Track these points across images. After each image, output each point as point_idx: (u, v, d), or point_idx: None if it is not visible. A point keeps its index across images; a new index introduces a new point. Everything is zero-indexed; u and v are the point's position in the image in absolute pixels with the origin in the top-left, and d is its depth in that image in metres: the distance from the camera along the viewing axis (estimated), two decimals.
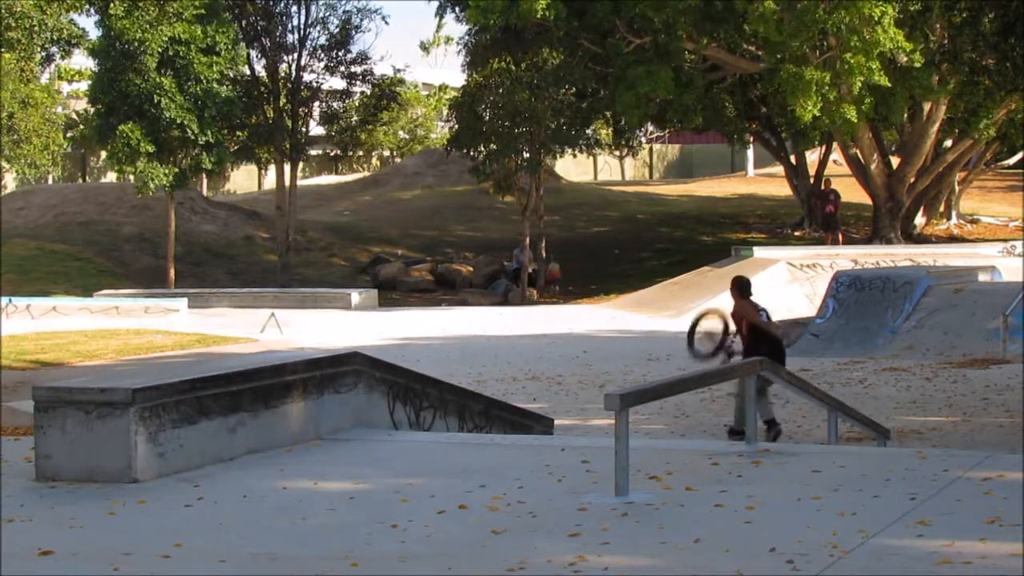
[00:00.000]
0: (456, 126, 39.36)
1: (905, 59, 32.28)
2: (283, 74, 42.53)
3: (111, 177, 51.42)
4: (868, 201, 43.33)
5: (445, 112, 51.48)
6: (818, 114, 32.37)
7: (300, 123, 42.65)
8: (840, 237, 39.46)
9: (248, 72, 42.10)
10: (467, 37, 43.65)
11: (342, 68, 43.20)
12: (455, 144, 38.83)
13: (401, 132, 65.63)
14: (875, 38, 30.83)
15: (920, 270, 24.50)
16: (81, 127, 49.74)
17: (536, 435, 12.12)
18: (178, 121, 35.46)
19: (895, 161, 42.85)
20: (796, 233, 45.77)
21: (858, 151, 41.06)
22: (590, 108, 40.51)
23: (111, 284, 37.86)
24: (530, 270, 38.78)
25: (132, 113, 35.64)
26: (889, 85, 32.58)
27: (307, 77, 42.89)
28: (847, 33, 30.87)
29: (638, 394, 8.39)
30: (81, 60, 49.31)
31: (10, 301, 30.39)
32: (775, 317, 24.22)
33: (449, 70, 69.99)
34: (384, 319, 30.62)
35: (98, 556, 6.64)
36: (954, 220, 44.08)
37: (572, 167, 60.90)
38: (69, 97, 60.08)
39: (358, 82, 43.78)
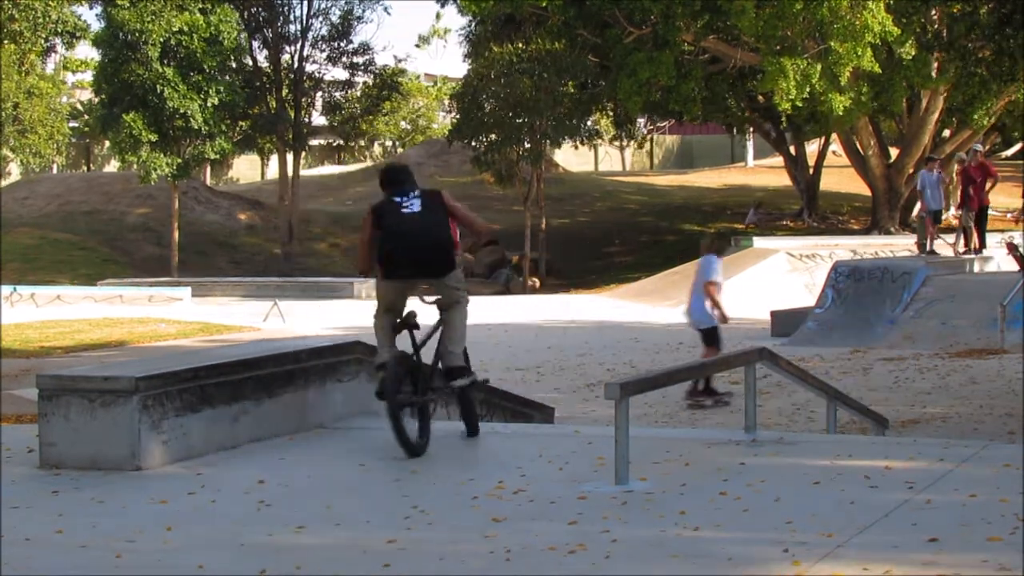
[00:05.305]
0: (458, 116, 39.36)
1: (897, 48, 32.33)
2: (285, 65, 42.59)
3: (115, 166, 51.45)
4: (867, 192, 43.34)
5: (447, 102, 51.49)
6: (800, 104, 32.44)
7: (302, 113, 42.71)
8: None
9: (251, 63, 42.16)
10: (468, 28, 43.70)
11: (344, 59, 43.28)
12: (457, 134, 38.82)
13: (403, 122, 65.65)
14: (864, 21, 30.86)
15: (919, 260, 24.52)
16: (85, 117, 49.82)
17: (537, 424, 12.16)
18: (181, 111, 35.52)
19: (894, 152, 42.82)
20: (790, 224, 45.80)
21: (857, 142, 41.08)
22: (591, 98, 40.49)
23: (115, 273, 37.93)
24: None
25: (135, 103, 35.70)
26: (880, 72, 32.59)
27: (309, 68, 42.97)
28: (829, 21, 30.93)
29: (638, 383, 8.39)
30: (87, 51, 49.40)
31: (15, 290, 30.48)
32: (773, 307, 24.39)
33: (451, 61, 70.03)
34: None
35: (101, 543, 6.69)
36: (952, 211, 44.12)
37: (573, 157, 60.89)
38: (74, 87, 60.15)
39: (360, 72, 43.86)
